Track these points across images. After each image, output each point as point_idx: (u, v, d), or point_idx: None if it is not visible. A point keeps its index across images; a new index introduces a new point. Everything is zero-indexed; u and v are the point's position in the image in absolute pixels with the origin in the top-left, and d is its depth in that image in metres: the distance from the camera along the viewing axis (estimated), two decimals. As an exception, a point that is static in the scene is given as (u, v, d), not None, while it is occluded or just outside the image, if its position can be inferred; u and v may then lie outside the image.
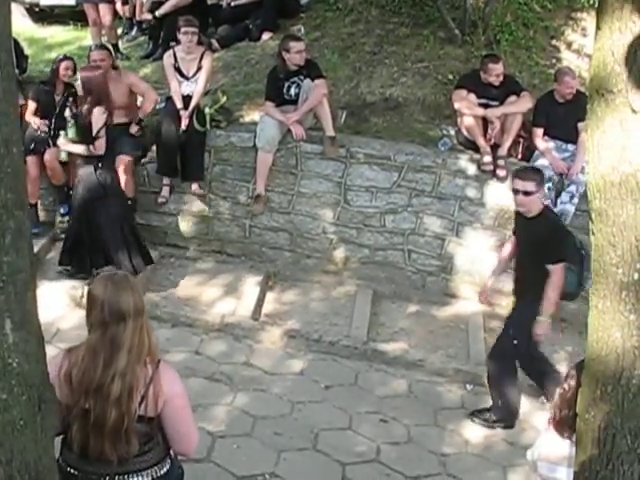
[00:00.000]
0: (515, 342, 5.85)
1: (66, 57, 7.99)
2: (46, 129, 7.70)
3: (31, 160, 7.44)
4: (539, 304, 5.73)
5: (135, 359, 3.10)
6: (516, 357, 5.95)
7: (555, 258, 5.70)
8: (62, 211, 7.87)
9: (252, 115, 8.14)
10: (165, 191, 7.85)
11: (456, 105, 7.73)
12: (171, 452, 3.35)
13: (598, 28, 2.69)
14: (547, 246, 5.70)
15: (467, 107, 7.62)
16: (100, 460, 3.14)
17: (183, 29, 7.83)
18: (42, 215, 7.98)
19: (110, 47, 8.58)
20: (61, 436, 3.22)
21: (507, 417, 6.02)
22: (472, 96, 7.63)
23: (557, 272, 5.70)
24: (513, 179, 5.91)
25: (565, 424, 3.33)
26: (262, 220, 7.89)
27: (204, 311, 7.09)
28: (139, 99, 8.02)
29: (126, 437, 3.11)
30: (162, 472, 3.29)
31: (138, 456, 3.20)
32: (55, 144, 7.48)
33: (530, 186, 5.64)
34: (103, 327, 3.09)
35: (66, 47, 10.37)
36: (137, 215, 7.82)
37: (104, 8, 9.58)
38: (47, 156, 7.63)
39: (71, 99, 7.66)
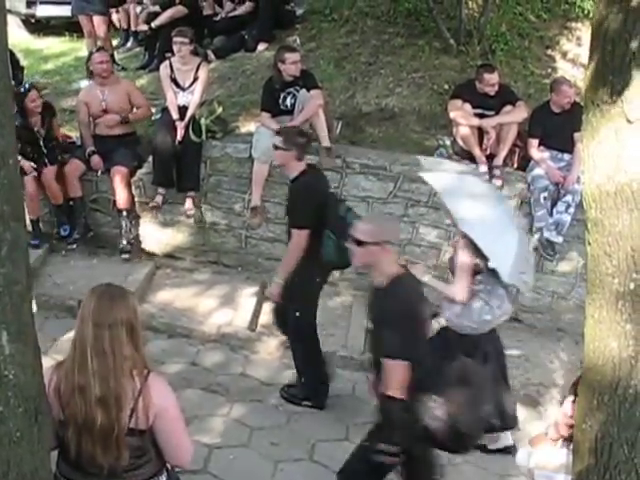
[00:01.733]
0: (297, 314, 5.88)
1: (27, 89, 7.56)
2: (33, 166, 7.48)
3: (27, 178, 7.33)
4: (301, 268, 5.72)
5: (114, 364, 3.03)
6: (306, 327, 5.96)
7: (294, 222, 5.71)
8: (63, 232, 7.78)
9: (248, 126, 8.14)
10: (158, 198, 7.82)
11: (452, 115, 7.74)
12: (168, 465, 3.33)
13: (593, 38, 2.70)
14: (291, 209, 5.78)
15: (463, 117, 7.63)
16: (94, 466, 3.12)
17: (173, 39, 7.87)
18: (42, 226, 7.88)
19: (107, 55, 8.58)
20: (57, 450, 3.20)
21: (313, 395, 6.06)
22: (467, 106, 7.63)
23: (295, 236, 5.67)
24: None
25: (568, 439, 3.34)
26: (258, 231, 7.88)
27: (200, 322, 7.07)
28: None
29: (117, 445, 3.08)
30: (159, 484, 3.29)
31: (134, 469, 3.18)
32: (52, 163, 7.52)
33: (277, 140, 5.77)
34: (74, 334, 3.11)
35: (62, 58, 10.41)
36: (132, 227, 7.82)
37: (98, 20, 9.61)
38: (44, 176, 7.54)
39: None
